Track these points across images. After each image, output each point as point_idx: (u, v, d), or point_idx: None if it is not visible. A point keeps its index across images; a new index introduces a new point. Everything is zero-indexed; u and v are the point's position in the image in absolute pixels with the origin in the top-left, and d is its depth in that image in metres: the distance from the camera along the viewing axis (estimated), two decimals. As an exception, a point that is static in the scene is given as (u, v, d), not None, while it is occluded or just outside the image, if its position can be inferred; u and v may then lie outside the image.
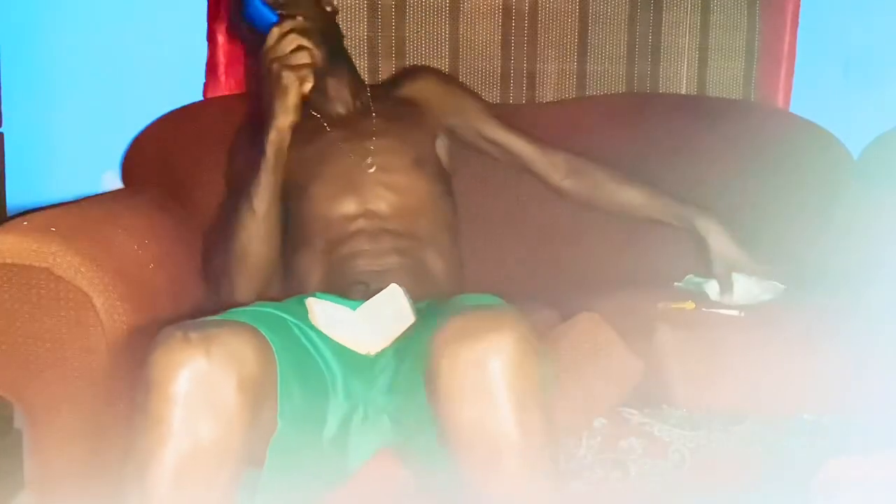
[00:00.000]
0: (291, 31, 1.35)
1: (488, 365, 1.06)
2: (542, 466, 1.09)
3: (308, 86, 1.36)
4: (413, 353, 1.20)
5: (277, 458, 1.14)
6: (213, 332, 1.08)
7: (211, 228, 1.62)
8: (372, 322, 1.31)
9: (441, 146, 1.66)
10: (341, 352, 1.29)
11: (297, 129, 1.57)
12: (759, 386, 1.37)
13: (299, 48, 1.35)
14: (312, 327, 1.28)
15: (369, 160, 1.53)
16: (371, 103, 1.63)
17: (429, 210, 1.54)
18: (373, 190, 1.51)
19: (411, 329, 1.31)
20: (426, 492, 1.26)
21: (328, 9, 1.59)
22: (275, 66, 1.35)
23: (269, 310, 1.25)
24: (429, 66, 1.83)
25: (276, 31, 1.35)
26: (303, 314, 1.30)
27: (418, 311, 1.35)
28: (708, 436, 1.33)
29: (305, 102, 1.39)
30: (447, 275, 1.51)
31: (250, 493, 1.13)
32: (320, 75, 1.42)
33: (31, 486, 1.31)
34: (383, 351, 1.31)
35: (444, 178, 1.62)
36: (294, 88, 1.35)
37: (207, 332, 1.08)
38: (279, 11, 1.40)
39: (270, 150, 1.39)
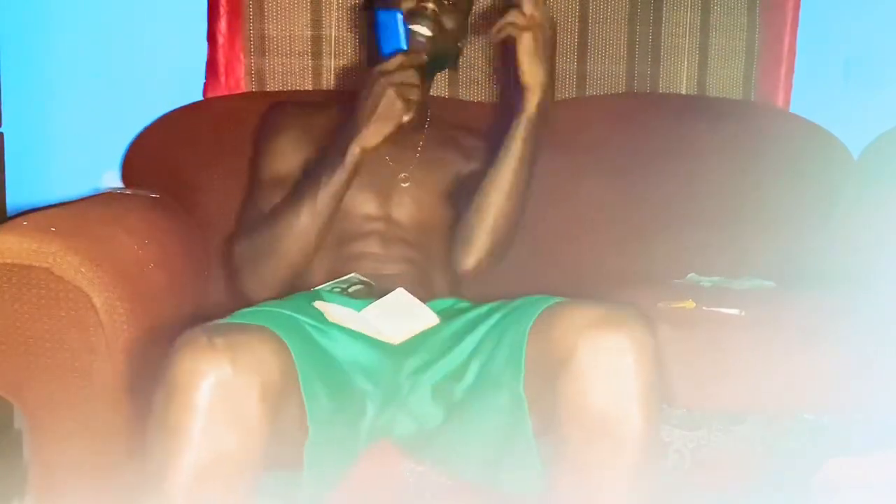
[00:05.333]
0: (413, 66, 1.36)
1: (626, 355, 1.11)
2: (655, 459, 1.14)
3: (408, 116, 1.35)
4: (497, 343, 1.22)
5: (315, 461, 1.14)
6: (238, 338, 1.07)
7: (245, 215, 1.59)
8: (382, 320, 1.30)
9: None
10: (367, 341, 1.29)
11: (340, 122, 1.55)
12: (759, 386, 1.37)
13: (411, 85, 1.35)
14: (330, 324, 1.28)
15: (403, 175, 1.52)
16: (427, 121, 1.61)
17: (444, 231, 1.54)
18: (399, 198, 1.52)
19: (446, 326, 1.32)
20: (430, 483, 1.27)
21: (459, 44, 1.57)
22: (391, 90, 1.34)
23: (281, 311, 1.24)
24: None
25: (401, 59, 1.35)
26: (315, 312, 1.29)
27: (437, 313, 1.35)
28: (708, 436, 1.33)
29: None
30: (449, 292, 1.51)
31: (290, 494, 1.14)
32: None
33: (32, 487, 1.30)
34: (409, 341, 1.31)
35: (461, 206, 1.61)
36: (398, 117, 1.34)
37: (232, 339, 1.06)
38: (420, 38, 1.42)
39: (351, 162, 1.37)
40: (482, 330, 1.26)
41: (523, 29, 1.35)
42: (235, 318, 1.18)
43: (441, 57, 1.52)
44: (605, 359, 1.11)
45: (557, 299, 1.21)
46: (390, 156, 1.54)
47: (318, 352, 1.21)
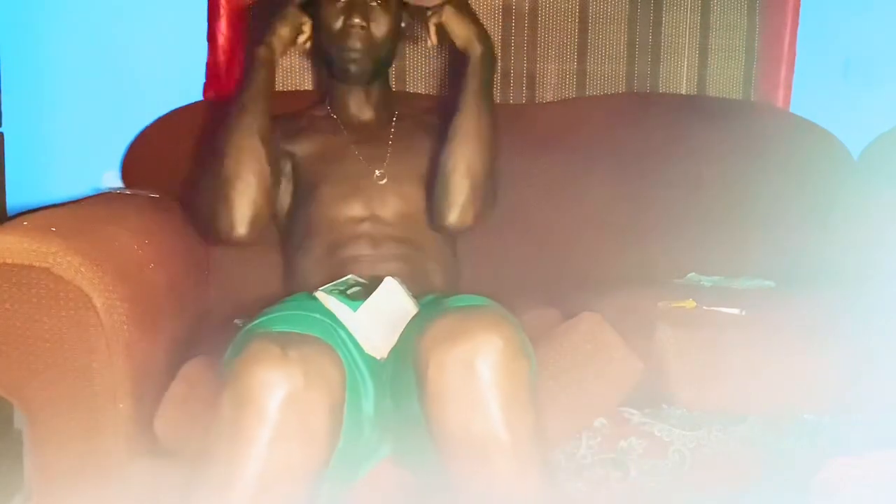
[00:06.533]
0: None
1: (476, 365, 1.07)
2: (531, 466, 1.09)
3: (303, 36, 1.54)
4: (405, 356, 1.20)
5: (334, 470, 1.15)
6: (309, 352, 1.08)
7: (198, 166, 1.62)
8: (375, 321, 1.30)
9: None
10: (368, 358, 1.29)
11: (313, 129, 1.57)
12: (759, 386, 1.37)
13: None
14: (347, 333, 1.28)
15: (378, 172, 1.52)
16: (395, 114, 1.62)
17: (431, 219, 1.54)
18: (380, 196, 1.51)
19: (408, 329, 1.31)
20: (427, 500, 1.26)
21: (402, 24, 1.60)
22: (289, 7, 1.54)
23: (318, 316, 1.25)
24: None
25: None
26: (333, 316, 1.30)
27: (423, 307, 1.34)
28: (708, 436, 1.33)
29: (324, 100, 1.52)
30: (445, 285, 1.51)
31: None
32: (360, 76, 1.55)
33: (32, 487, 1.30)
34: (391, 355, 1.31)
35: None
36: (291, 17, 1.53)
37: (304, 353, 1.08)
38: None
39: (259, 58, 1.49)
40: (408, 340, 1.24)
41: (439, 8, 1.52)
42: (288, 325, 1.19)
43: (380, 64, 1.57)
44: (453, 374, 1.07)
45: (450, 307, 1.19)
46: (363, 155, 1.54)
47: (349, 367, 1.22)
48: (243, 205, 1.41)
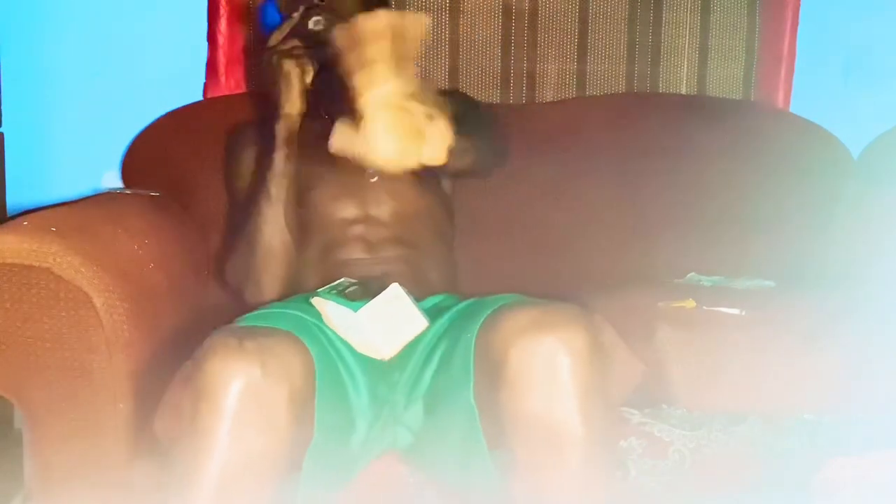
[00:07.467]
0: (287, 30, 1.43)
1: (559, 357, 1.08)
2: (602, 461, 1.11)
3: (309, 76, 1.42)
4: (452, 347, 1.20)
5: (312, 466, 1.14)
6: (266, 342, 1.08)
7: (226, 233, 1.62)
8: (377, 324, 1.30)
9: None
10: (362, 356, 1.29)
11: (304, 131, 1.56)
12: (759, 386, 1.37)
13: (296, 47, 1.42)
14: (332, 331, 1.28)
15: (370, 170, 1.51)
16: None
17: (427, 218, 1.53)
18: (374, 195, 1.50)
19: (428, 330, 1.31)
20: (437, 494, 1.27)
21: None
22: (275, 57, 1.41)
23: (301, 315, 1.25)
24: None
25: (276, 32, 1.44)
26: (318, 315, 1.30)
27: (427, 311, 1.34)
28: (708, 436, 1.33)
29: (314, 99, 1.43)
30: (443, 284, 1.50)
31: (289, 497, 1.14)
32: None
33: (31, 486, 1.30)
34: (400, 354, 1.31)
35: (442, 192, 1.62)
36: (295, 75, 1.41)
37: (261, 343, 1.07)
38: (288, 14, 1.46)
39: (280, 138, 1.41)
40: (439, 333, 1.26)
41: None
42: (258, 321, 1.19)
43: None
44: (537, 363, 1.08)
45: (505, 300, 1.20)
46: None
47: (327, 358, 1.22)
48: (267, 281, 1.42)
